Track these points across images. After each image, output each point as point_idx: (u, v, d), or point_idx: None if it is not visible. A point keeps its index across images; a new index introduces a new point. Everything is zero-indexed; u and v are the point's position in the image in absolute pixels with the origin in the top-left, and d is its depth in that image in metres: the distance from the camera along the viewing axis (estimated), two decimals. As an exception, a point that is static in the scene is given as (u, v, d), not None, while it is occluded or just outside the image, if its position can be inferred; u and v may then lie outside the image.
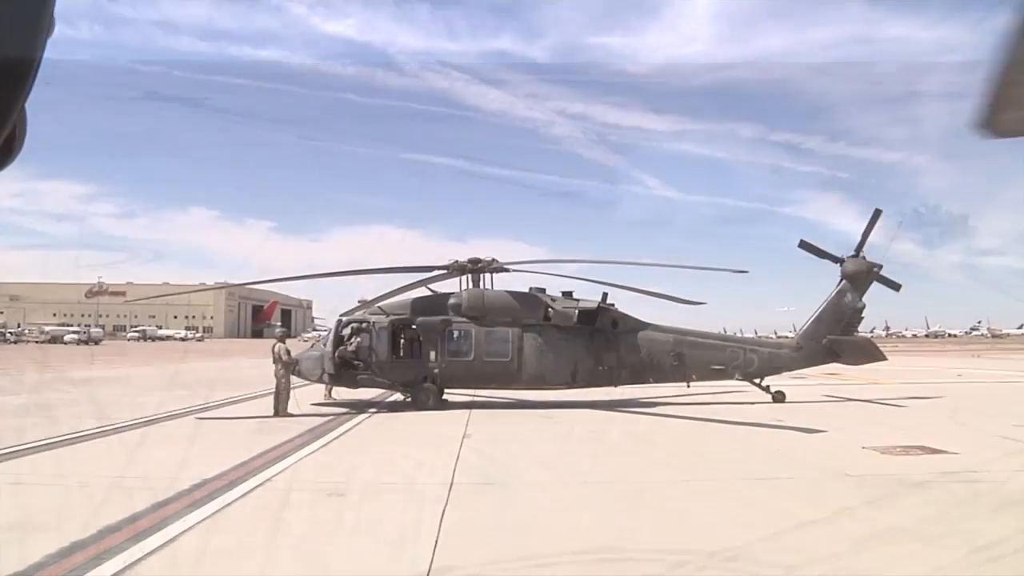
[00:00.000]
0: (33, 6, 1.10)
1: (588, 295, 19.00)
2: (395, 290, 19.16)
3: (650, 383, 18.92)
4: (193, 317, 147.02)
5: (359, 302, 19.84)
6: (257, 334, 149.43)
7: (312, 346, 20.01)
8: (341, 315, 18.62)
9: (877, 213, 19.76)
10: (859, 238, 20.06)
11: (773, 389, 19.08)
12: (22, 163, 1.46)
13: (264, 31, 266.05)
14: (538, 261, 19.98)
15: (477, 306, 17.98)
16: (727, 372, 18.81)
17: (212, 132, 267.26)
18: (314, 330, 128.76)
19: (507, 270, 18.94)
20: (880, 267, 19.92)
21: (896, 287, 20.40)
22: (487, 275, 18.67)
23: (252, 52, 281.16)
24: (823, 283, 20.59)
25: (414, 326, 17.89)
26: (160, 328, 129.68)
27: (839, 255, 20.03)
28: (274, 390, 16.07)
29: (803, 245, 20.06)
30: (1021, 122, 1.64)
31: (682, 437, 13.20)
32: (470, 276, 18.45)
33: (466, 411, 16.66)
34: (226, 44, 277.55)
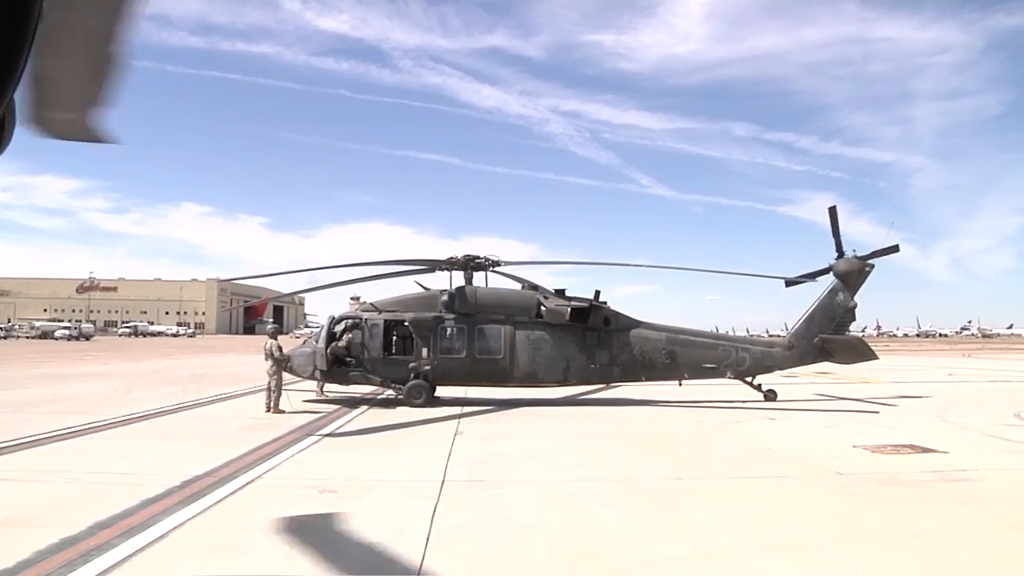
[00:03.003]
0: None
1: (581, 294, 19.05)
2: (374, 276, 19.22)
3: (642, 381, 18.95)
4: (185, 313, 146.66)
5: (351, 299, 19.85)
6: (249, 330, 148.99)
7: (304, 343, 19.96)
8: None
9: (833, 210, 19.97)
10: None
11: (765, 387, 19.14)
12: (12, 156, 1.45)
13: (257, 26, 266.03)
14: (534, 262, 20.18)
15: (470, 303, 17.97)
16: (719, 371, 18.85)
17: (205, 127, 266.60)
18: (306, 326, 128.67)
19: (501, 268, 18.93)
20: (872, 266, 20.00)
21: (895, 248, 20.28)
22: (482, 273, 18.68)
23: (245, 47, 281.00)
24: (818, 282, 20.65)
25: (406, 323, 17.87)
26: (152, 324, 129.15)
27: (824, 266, 20.12)
28: (265, 387, 16.04)
29: (790, 283, 20.32)
30: (70, 125, 1.59)
31: (673, 435, 13.23)
32: (463, 273, 18.43)
33: (458, 408, 16.66)
34: (219, 39, 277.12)
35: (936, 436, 12.80)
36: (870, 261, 19.95)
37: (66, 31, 1.41)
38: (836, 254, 19.99)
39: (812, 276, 20.31)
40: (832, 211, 19.97)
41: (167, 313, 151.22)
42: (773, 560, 5.96)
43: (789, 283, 20.43)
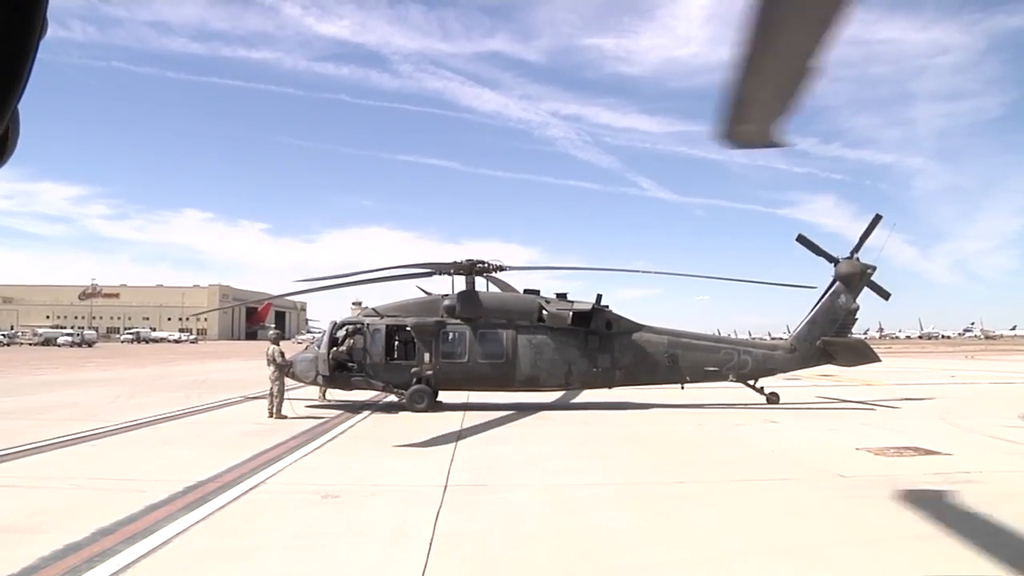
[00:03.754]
0: (26, 7, 1.10)
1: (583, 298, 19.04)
2: (376, 279, 19.27)
3: (644, 385, 18.93)
4: (187, 319, 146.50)
5: (353, 304, 19.90)
6: (251, 336, 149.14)
7: (306, 348, 19.97)
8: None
9: (877, 219, 19.80)
10: (854, 240, 20.10)
11: (767, 390, 19.12)
12: (13, 164, 1.46)
13: (258, 32, 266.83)
14: (537, 267, 20.36)
15: (472, 308, 17.97)
16: (721, 374, 18.84)
17: (206, 133, 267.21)
18: (308, 332, 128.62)
19: (504, 272, 18.94)
20: (874, 268, 19.96)
21: (886, 296, 20.40)
22: (486, 276, 18.68)
23: (245, 53, 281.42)
24: (818, 282, 20.63)
25: (408, 328, 17.87)
26: (154, 330, 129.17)
27: (834, 255, 20.07)
28: (268, 392, 16.05)
29: (800, 239, 20.10)
30: (755, 134, 1.85)
31: (676, 439, 13.21)
32: (465, 277, 18.43)
33: (460, 413, 16.65)
34: (219, 45, 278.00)
35: (939, 438, 12.77)
36: (868, 266, 19.90)
37: (776, 47, 1.61)
38: (848, 254, 19.92)
39: (817, 251, 20.07)
40: (876, 219, 19.75)
41: (169, 319, 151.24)
42: (776, 563, 5.95)
43: (800, 239, 20.21)
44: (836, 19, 1.55)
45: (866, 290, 20.12)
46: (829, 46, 1.63)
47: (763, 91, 1.72)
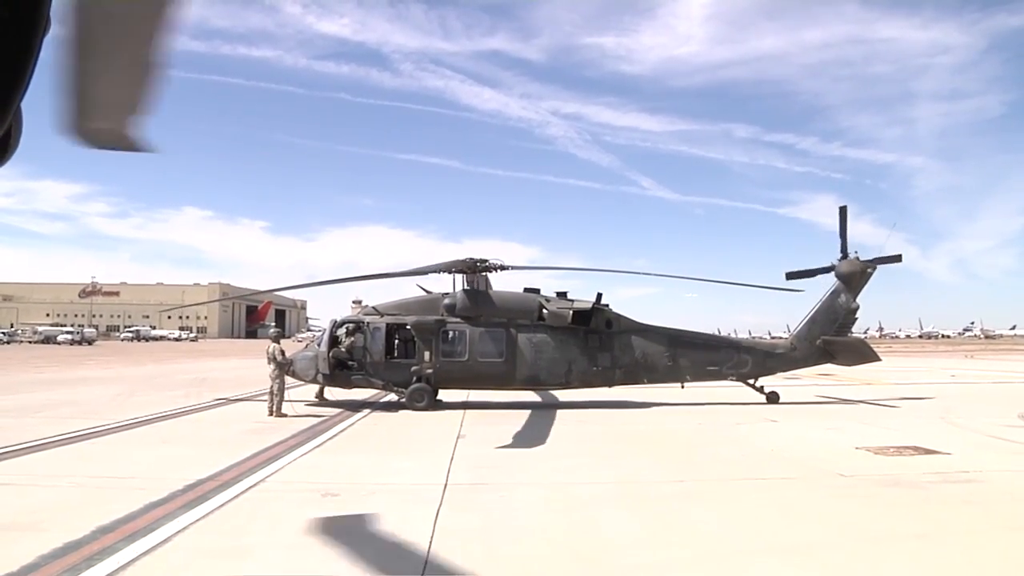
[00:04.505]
0: (29, 5, 1.10)
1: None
2: (375, 276, 19.31)
3: (644, 384, 18.94)
4: (187, 317, 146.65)
5: (353, 302, 19.89)
6: (251, 335, 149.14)
7: (306, 346, 19.97)
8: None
9: (843, 210, 19.92)
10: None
11: (767, 390, 19.12)
12: (14, 161, 1.46)
13: (258, 30, 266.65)
14: (538, 267, 20.45)
15: (472, 306, 17.97)
16: (721, 373, 18.85)
17: (206, 131, 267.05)
18: (308, 330, 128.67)
19: (504, 269, 18.94)
20: (875, 268, 19.96)
21: (897, 259, 20.24)
22: (483, 275, 18.67)
23: (246, 51, 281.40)
24: (819, 283, 20.64)
25: (408, 326, 17.87)
26: (154, 328, 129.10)
27: (827, 264, 20.08)
28: (268, 391, 16.05)
29: (790, 276, 20.22)
30: (109, 135, 1.63)
31: (675, 437, 13.22)
32: (466, 276, 18.42)
33: (460, 411, 16.66)
34: (219, 43, 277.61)
35: (939, 437, 12.78)
36: (869, 264, 19.92)
37: (106, 41, 1.44)
38: (840, 255, 19.98)
39: (813, 273, 20.28)
40: (842, 211, 19.96)
41: (169, 317, 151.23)
42: (776, 562, 5.95)
43: (790, 276, 20.41)
44: (172, 9, 1.43)
45: (866, 291, 20.13)
46: (170, 41, 1.50)
47: (105, 85, 1.55)
